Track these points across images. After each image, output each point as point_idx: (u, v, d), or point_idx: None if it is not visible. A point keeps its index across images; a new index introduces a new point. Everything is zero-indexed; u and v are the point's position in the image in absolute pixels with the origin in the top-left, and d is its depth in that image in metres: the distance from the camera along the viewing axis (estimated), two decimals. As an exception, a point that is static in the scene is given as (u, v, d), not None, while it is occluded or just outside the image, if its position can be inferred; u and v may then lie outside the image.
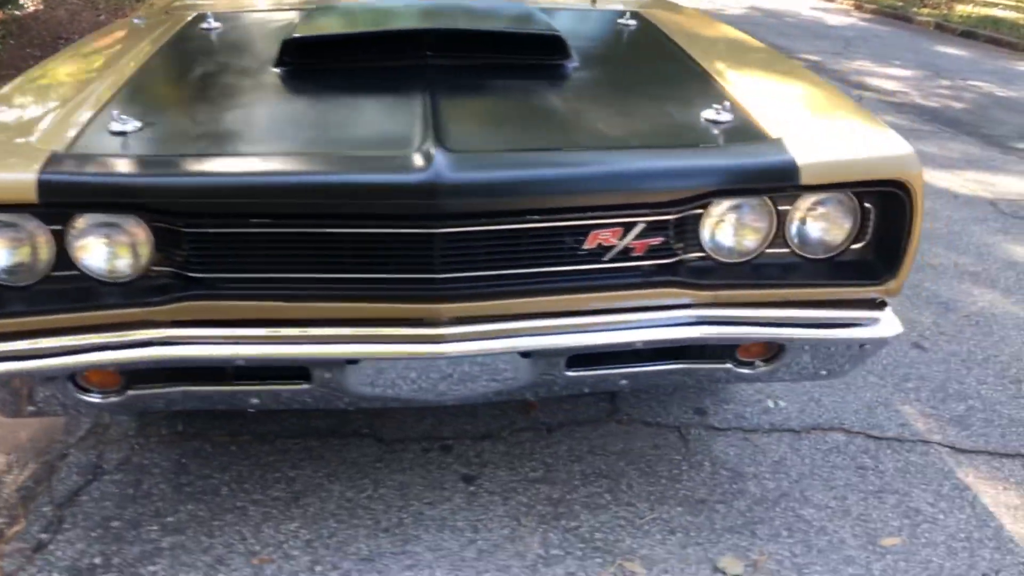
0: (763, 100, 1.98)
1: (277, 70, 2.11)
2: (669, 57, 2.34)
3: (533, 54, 2.17)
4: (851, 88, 6.84)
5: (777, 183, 1.71)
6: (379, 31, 2.14)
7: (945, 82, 7.33)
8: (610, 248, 1.73)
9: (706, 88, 2.06)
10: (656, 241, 1.75)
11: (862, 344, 1.85)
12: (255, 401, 1.84)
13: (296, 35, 2.10)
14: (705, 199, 1.73)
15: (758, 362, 1.90)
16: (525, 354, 1.78)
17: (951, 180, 4.63)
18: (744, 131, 1.82)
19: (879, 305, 1.85)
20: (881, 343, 1.86)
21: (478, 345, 1.73)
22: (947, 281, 3.40)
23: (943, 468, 2.28)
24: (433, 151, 1.62)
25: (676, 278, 1.78)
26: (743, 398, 2.55)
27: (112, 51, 2.37)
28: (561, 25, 2.59)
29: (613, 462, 2.27)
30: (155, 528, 2.00)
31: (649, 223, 1.72)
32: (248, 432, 2.33)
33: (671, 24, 2.66)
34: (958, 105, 6.48)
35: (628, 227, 1.72)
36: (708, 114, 1.86)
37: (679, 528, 2.04)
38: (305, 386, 1.78)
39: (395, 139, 1.73)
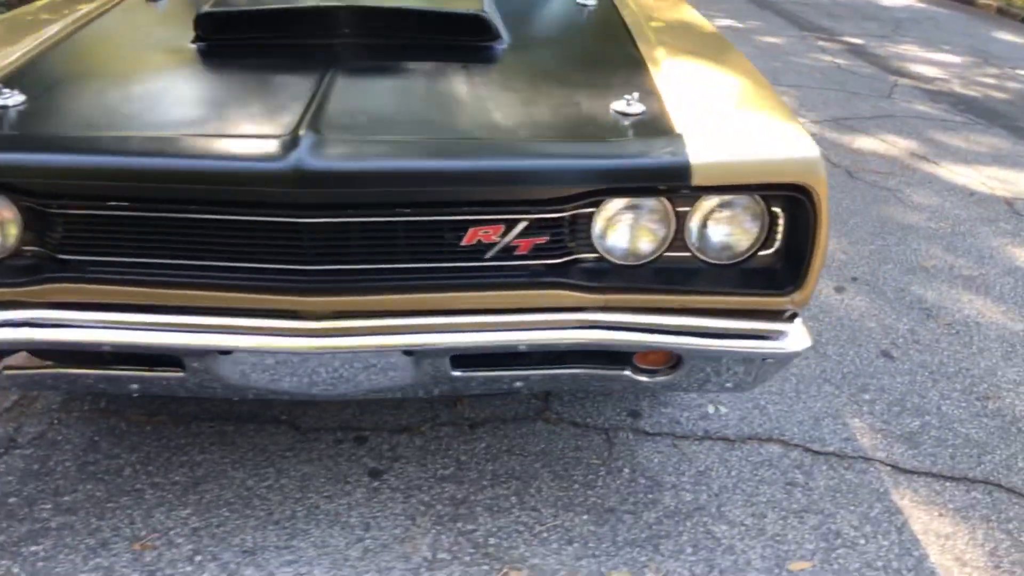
0: (687, 92, 1.85)
1: (193, 46, 2.06)
2: (609, 42, 2.22)
3: (455, 34, 2.07)
4: (888, 74, 6.55)
5: (668, 183, 1.60)
6: (293, 7, 2.07)
7: (992, 70, 6.97)
8: (491, 245, 1.64)
9: (632, 77, 1.94)
10: (542, 240, 1.65)
11: (764, 358, 1.73)
12: (135, 387, 1.80)
13: (207, 9, 2.03)
14: (596, 197, 1.63)
15: (659, 371, 1.80)
16: (408, 352, 1.71)
17: (969, 176, 4.39)
18: (649, 125, 1.70)
19: (788, 317, 1.73)
20: (786, 358, 1.74)
21: (352, 341, 1.66)
22: (937, 285, 3.22)
23: (878, 488, 2.15)
24: (301, 137, 1.54)
25: (566, 279, 1.68)
26: (683, 402, 2.44)
27: (47, 17, 2.34)
28: (513, 5, 2.50)
29: (529, 463, 2.19)
30: (48, 507, 1.99)
31: (532, 221, 1.63)
32: (167, 412, 2.31)
33: (632, 7, 2.53)
34: (999, 95, 6.14)
35: (509, 224, 1.63)
36: (618, 105, 1.75)
37: (578, 538, 1.96)
38: (180, 374, 1.74)
39: (273, 122, 1.65)
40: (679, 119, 1.72)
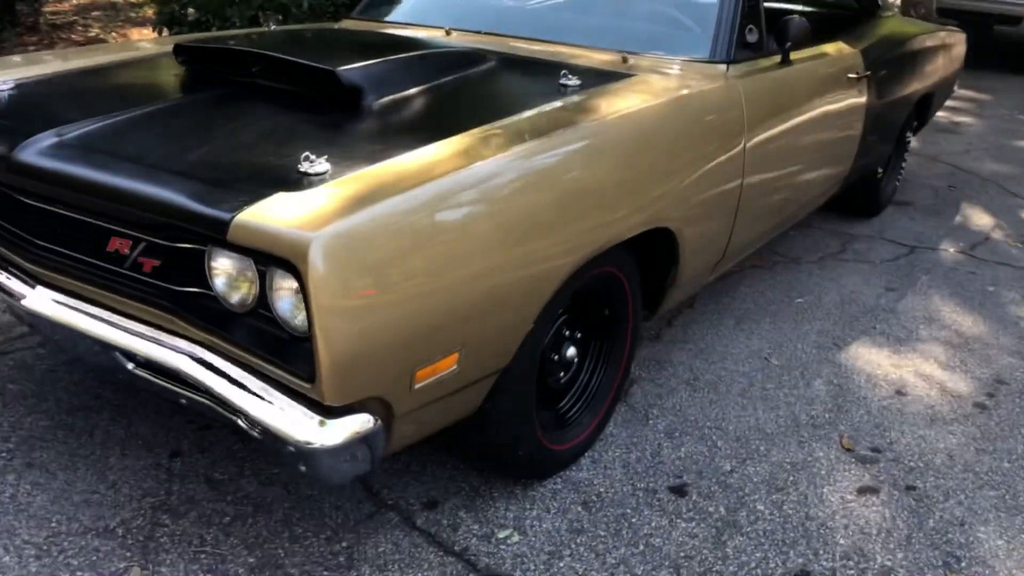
0: (388, 166, 1.77)
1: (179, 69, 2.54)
2: (472, 117, 2.11)
3: (318, 87, 2.21)
4: None
5: (208, 231, 1.61)
6: (223, 48, 2.42)
7: None
8: (125, 257, 1.82)
9: (400, 147, 1.88)
10: (157, 263, 1.78)
11: (287, 443, 1.59)
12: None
13: (178, 41, 2.51)
14: (199, 237, 1.70)
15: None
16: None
17: None
18: (289, 183, 1.68)
19: (330, 411, 1.58)
20: (305, 455, 1.58)
21: (42, 309, 1.96)
22: (1022, 541, 2.25)
23: None
24: (36, 135, 1.92)
25: (183, 309, 1.77)
26: (490, 515, 2.20)
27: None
28: (496, 76, 2.52)
29: (284, 502, 2.22)
30: (-7, 387, 2.66)
31: (149, 243, 1.77)
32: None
33: (598, 99, 2.34)
34: None
35: (135, 241, 1.79)
36: (303, 165, 1.76)
37: (222, 574, 1.98)
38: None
39: (54, 123, 2.00)
40: (320, 185, 1.67)
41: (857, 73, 3.60)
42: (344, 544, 2.09)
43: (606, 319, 2.46)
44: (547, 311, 2.02)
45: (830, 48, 3.59)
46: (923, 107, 4.88)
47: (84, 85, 2.45)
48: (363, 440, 1.62)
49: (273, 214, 1.55)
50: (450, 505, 2.24)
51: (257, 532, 2.11)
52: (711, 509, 2.29)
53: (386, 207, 1.59)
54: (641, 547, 2.13)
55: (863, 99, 3.71)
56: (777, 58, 3.06)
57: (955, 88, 5.57)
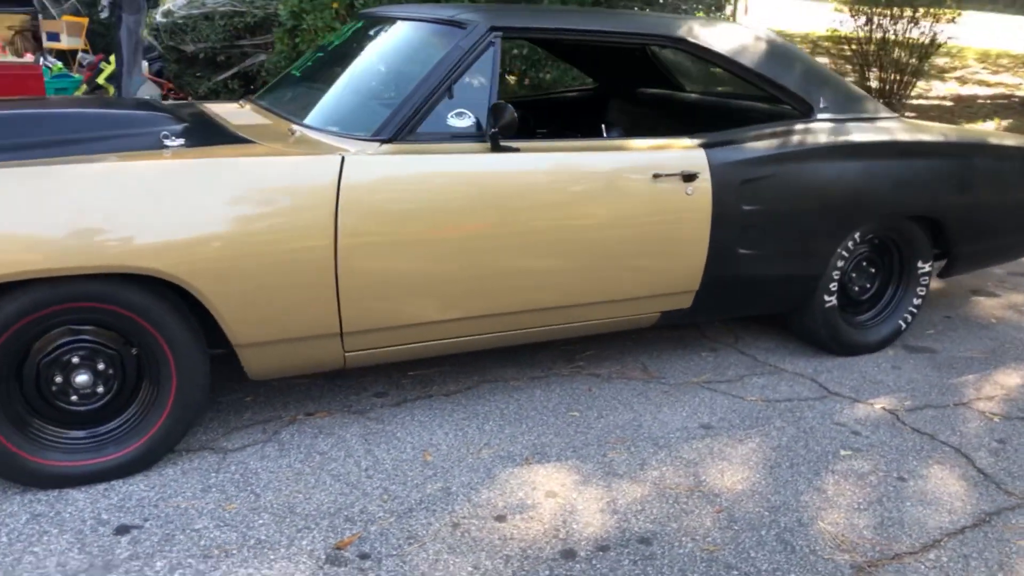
0: None
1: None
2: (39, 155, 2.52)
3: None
4: None
5: None
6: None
7: None
8: None
9: None
10: None
11: None
12: None
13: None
14: None
15: None
16: None
17: None
18: None
19: None
20: None
21: None
22: None
23: None
24: None
25: None
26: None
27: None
28: (137, 136, 2.92)
29: None
30: None
31: None
32: None
33: (169, 155, 2.61)
34: None
35: None
36: None
37: None
38: None
39: None
40: None
41: (679, 172, 3.23)
42: None
43: (147, 359, 2.65)
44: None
45: (640, 143, 3.27)
46: (937, 233, 3.98)
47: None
48: None
49: None
50: None
51: None
52: (117, 551, 2.34)
53: None
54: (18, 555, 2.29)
55: (699, 201, 3.29)
56: (487, 144, 2.96)
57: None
